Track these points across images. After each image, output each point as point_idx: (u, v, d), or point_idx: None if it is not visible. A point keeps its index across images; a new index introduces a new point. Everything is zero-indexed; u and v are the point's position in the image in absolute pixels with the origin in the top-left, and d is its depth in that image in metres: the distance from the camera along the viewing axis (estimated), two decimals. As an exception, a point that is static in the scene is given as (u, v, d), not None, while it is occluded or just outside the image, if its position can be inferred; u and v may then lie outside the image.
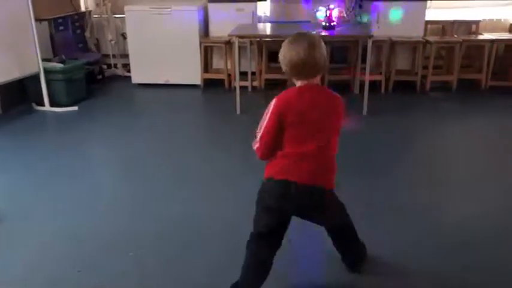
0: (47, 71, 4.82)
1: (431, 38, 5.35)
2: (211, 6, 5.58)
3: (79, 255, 2.42)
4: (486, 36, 5.45)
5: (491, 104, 4.96)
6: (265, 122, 1.91)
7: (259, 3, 5.55)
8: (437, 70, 5.51)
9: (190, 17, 5.42)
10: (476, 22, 5.69)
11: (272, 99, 1.93)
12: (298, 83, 1.94)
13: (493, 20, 5.75)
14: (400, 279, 2.22)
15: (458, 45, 5.25)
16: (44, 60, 4.84)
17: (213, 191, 3.12)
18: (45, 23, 5.42)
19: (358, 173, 3.28)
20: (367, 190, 3.06)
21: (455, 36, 5.55)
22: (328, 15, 4.61)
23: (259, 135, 1.94)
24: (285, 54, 1.90)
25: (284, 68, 1.92)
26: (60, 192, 3.13)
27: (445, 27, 5.75)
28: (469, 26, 5.74)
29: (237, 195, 2.98)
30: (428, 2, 5.36)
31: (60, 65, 4.95)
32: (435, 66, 5.39)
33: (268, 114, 1.90)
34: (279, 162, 1.92)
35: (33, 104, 4.95)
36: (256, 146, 1.96)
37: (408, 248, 2.44)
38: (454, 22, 5.69)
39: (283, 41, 1.95)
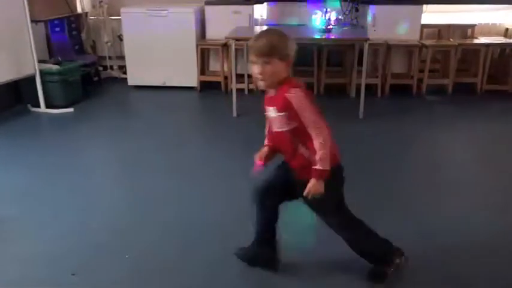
0: (42, 73, 4.79)
1: (427, 42, 5.37)
2: (208, 9, 5.58)
3: (74, 258, 2.40)
4: (482, 40, 5.48)
5: (487, 108, 4.99)
6: (311, 114, 1.91)
7: (256, 6, 5.56)
8: (433, 74, 5.53)
9: (187, 19, 5.41)
10: (472, 26, 5.71)
11: None
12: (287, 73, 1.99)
13: (488, 24, 5.78)
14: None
15: (454, 49, 5.27)
16: (40, 61, 4.82)
17: (211, 193, 3.12)
18: (41, 25, 5.40)
19: (357, 176, 3.28)
20: (363, 193, 3.06)
21: (451, 40, 5.58)
22: (324, 18, 4.62)
23: (315, 127, 1.90)
24: (292, 47, 1.97)
25: (291, 59, 1.97)
26: (56, 194, 3.12)
27: (441, 31, 5.77)
28: (465, 30, 5.77)
29: (234, 197, 2.97)
30: (424, 6, 5.38)
31: (56, 67, 4.94)
32: (431, 69, 5.41)
33: (307, 105, 1.92)
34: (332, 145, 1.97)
35: (29, 106, 4.93)
36: (321, 138, 1.90)
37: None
38: (450, 26, 5.71)
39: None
